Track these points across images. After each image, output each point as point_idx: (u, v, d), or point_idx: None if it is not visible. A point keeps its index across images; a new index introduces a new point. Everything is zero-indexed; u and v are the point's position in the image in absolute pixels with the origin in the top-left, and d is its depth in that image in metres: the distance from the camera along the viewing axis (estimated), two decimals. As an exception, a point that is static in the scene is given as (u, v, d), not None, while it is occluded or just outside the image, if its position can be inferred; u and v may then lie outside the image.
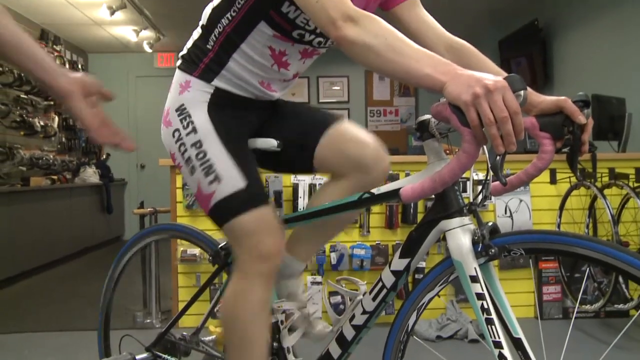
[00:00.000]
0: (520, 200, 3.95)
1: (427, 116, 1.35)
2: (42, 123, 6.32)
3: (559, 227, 3.87)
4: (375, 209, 3.90)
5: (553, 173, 3.96)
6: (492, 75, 1.06)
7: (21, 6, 6.30)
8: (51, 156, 6.50)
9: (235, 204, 1.59)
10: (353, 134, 1.74)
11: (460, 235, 1.27)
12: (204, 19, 1.68)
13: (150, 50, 7.77)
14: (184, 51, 1.72)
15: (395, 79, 1.26)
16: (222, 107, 1.67)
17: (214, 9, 1.65)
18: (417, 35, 1.67)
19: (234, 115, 1.69)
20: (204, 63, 1.65)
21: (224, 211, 1.60)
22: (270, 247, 1.57)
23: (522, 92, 1.07)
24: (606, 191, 3.69)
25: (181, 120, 1.65)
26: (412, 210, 3.86)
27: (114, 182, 8.06)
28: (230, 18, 1.59)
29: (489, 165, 1.18)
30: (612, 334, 3.53)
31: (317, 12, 1.30)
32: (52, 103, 6.72)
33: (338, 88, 9.10)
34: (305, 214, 1.67)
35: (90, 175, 7.51)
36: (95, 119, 1.24)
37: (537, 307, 3.96)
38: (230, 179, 1.59)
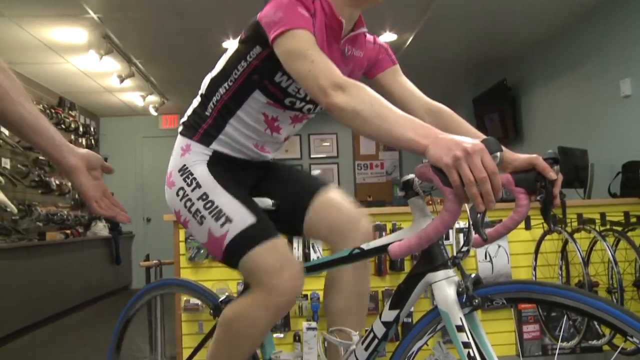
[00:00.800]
0: (499, 246, 3.92)
1: (411, 175, 1.35)
2: (57, 182, 6.31)
3: (534, 269, 3.84)
4: (365, 256, 3.87)
5: (528, 220, 3.94)
6: (470, 139, 1.06)
7: (42, 77, 6.39)
8: (65, 212, 6.46)
9: (248, 237, 1.54)
10: (332, 202, 1.73)
11: (445, 287, 1.25)
12: (203, 88, 1.69)
13: (155, 113, 7.83)
14: (185, 118, 1.73)
15: (380, 142, 1.26)
16: (220, 166, 1.67)
17: (212, 79, 1.67)
18: (400, 100, 1.69)
19: (232, 172, 1.68)
20: (202, 128, 1.66)
21: (238, 246, 1.55)
22: (286, 283, 1.50)
23: (498, 154, 1.07)
24: (576, 235, 3.69)
25: (184, 179, 1.65)
26: (399, 259, 3.83)
27: (122, 234, 7.99)
28: (227, 87, 1.61)
29: (471, 223, 1.17)
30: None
31: (309, 81, 1.31)
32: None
33: (328, 144, 9.14)
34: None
35: (101, 229, 7.45)
36: (96, 192, 1.27)
37: (518, 346, 3.89)
38: (241, 217, 1.56)
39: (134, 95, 7.18)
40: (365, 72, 1.73)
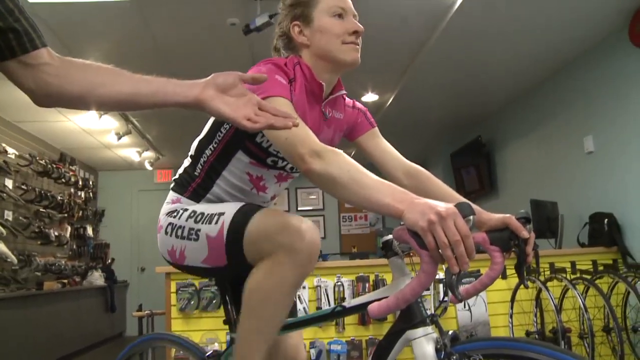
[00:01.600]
0: (477, 295, 3.88)
1: (390, 236, 1.33)
2: (56, 233, 6.22)
3: (511, 317, 3.80)
4: (349, 305, 3.81)
5: (504, 270, 3.91)
6: (444, 203, 1.06)
7: (45, 134, 6.37)
8: (63, 262, 6.35)
9: (243, 212, 1.45)
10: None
11: (424, 344, 1.22)
12: (192, 150, 1.68)
13: (150, 168, 7.82)
14: (176, 176, 1.71)
15: (358, 207, 1.23)
16: None
17: (199, 142, 1.66)
18: (379, 162, 1.69)
19: None
20: (192, 187, 1.64)
21: (238, 223, 1.43)
22: (304, 232, 1.33)
23: (471, 217, 1.06)
24: (548, 284, 3.67)
25: (172, 217, 1.60)
26: (381, 306, 3.77)
27: (117, 283, 7.84)
28: (212, 149, 1.60)
29: (446, 283, 1.15)
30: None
31: (286, 148, 1.30)
32: (65, 215, 6.63)
33: (314, 197, 9.14)
34: (285, 325, 1.57)
35: (97, 278, 7.30)
36: (243, 110, 1.11)
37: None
38: (231, 206, 1.51)
39: (130, 151, 7.17)
40: (345, 135, 1.74)
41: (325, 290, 3.80)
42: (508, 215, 1.39)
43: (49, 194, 6.11)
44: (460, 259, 1.01)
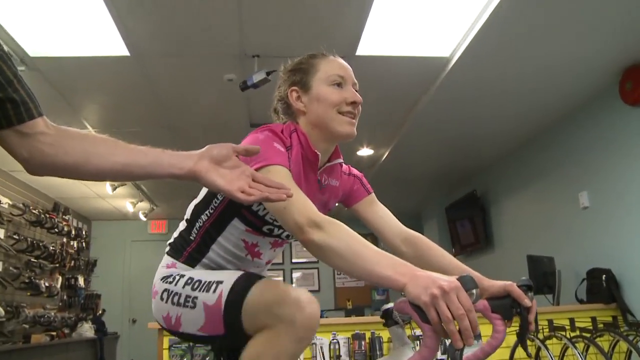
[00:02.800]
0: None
1: (391, 305, 1.31)
2: (47, 284, 6.10)
3: (510, 376, 3.73)
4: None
5: (500, 327, 3.86)
6: (446, 277, 1.04)
7: (39, 184, 6.34)
8: (52, 313, 6.20)
9: (243, 283, 1.41)
10: None
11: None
12: (188, 214, 1.66)
13: (144, 219, 7.78)
14: (172, 240, 1.69)
15: (358, 279, 1.20)
16: None
17: (195, 206, 1.64)
18: (376, 229, 1.68)
19: None
20: (187, 252, 1.61)
21: (237, 294, 1.39)
22: (305, 303, 1.28)
23: (474, 291, 1.05)
24: (547, 342, 3.61)
25: (167, 282, 1.56)
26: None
27: (107, 335, 7.65)
28: (208, 215, 1.58)
29: (450, 359, 1.12)
30: None
31: (285, 218, 1.29)
32: (57, 265, 6.54)
33: (309, 248, 9.07)
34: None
35: (87, 330, 7.14)
36: (237, 183, 1.12)
37: None
38: (230, 275, 1.46)
39: (124, 202, 7.14)
40: (341, 201, 1.73)
41: (321, 348, 3.72)
42: (509, 282, 1.38)
43: (41, 244, 6.03)
44: (464, 333, 0.99)
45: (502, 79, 3.99)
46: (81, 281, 7.41)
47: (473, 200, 6.41)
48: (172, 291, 1.53)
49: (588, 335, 3.60)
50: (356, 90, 1.59)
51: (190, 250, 1.60)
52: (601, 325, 3.76)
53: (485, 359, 1.38)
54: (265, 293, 1.37)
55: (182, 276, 1.55)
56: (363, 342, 3.74)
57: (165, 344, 3.67)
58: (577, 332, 3.69)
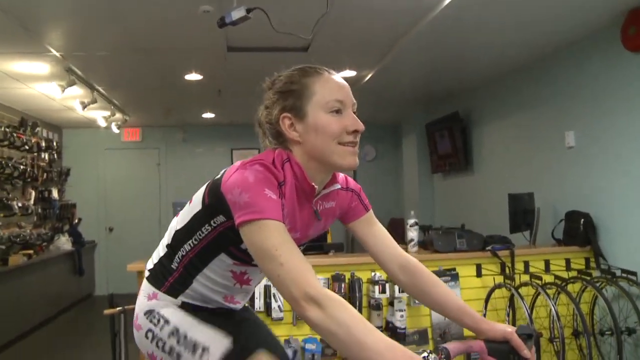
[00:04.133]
0: (451, 293, 3.92)
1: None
2: (20, 204, 6.01)
3: (484, 316, 3.86)
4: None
5: (479, 267, 3.96)
6: None
7: (3, 98, 6.02)
8: (28, 231, 6.18)
9: None
10: None
11: None
12: (168, 238, 1.56)
13: (117, 131, 7.55)
14: (151, 265, 1.60)
15: None
16: (190, 310, 1.56)
17: (177, 232, 1.53)
18: (373, 251, 1.59)
19: (203, 312, 1.58)
20: (169, 282, 1.54)
21: None
22: None
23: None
24: (522, 288, 3.72)
25: (151, 321, 1.53)
26: (357, 308, 3.77)
27: (85, 246, 7.72)
28: (192, 245, 1.48)
29: None
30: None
31: (280, 286, 1.20)
32: (29, 180, 6.41)
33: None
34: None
35: (64, 243, 7.18)
36: None
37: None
38: (217, 342, 1.45)
39: (96, 114, 6.87)
40: (339, 217, 1.62)
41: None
42: (510, 329, 1.35)
43: (10, 164, 5.85)
44: None
45: (498, 7, 3.71)
46: (55, 193, 7.32)
47: (456, 121, 6.33)
48: (156, 335, 1.51)
49: (559, 282, 3.72)
50: (354, 112, 1.42)
51: (172, 281, 1.54)
52: (574, 272, 3.88)
53: None
54: None
55: (167, 322, 1.50)
56: (343, 284, 3.79)
57: (146, 286, 3.68)
58: (552, 278, 3.80)
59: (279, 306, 3.73)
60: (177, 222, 1.54)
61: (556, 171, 4.51)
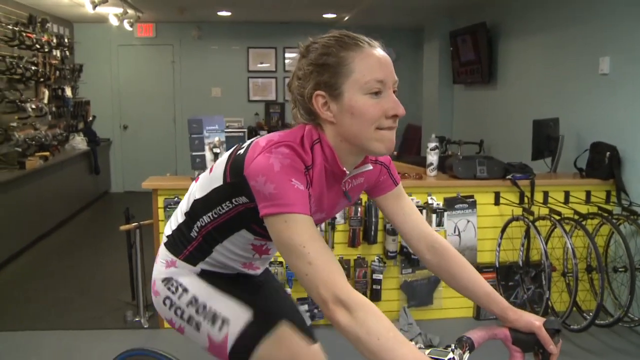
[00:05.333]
0: (468, 221, 3.93)
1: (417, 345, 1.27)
2: (33, 106, 5.95)
3: (499, 246, 3.90)
4: (340, 227, 3.83)
5: (497, 196, 3.93)
6: None
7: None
8: (43, 132, 6.16)
9: (250, 337, 1.44)
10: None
11: None
12: (187, 206, 1.51)
13: (130, 29, 7.31)
14: (169, 231, 1.58)
15: None
16: (209, 276, 1.56)
17: (195, 202, 1.48)
18: (400, 228, 1.53)
19: (221, 278, 1.58)
20: (188, 250, 1.52)
21: (243, 349, 1.45)
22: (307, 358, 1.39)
23: None
24: (539, 222, 3.71)
25: (169, 288, 1.54)
26: (372, 232, 3.80)
27: (99, 144, 7.74)
28: (212, 217, 1.43)
29: None
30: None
31: (308, 285, 1.16)
32: (41, 80, 6.30)
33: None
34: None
35: (79, 142, 7.19)
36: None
37: (474, 309, 4.03)
38: (237, 315, 1.47)
39: (108, 10, 6.61)
40: (367, 190, 1.55)
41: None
42: (538, 322, 1.32)
43: (21, 64, 5.72)
44: None
45: None
46: (68, 91, 7.23)
47: (482, 32, 6.04)
48: (175, 303, 1.52)
49: (577, 217, 3.69)
50: (395, 91, 1.30)
51: (191, 249, 1.52)
52: (594, 207, 3.84)
53: None
54: (273, 354, 1.34)
55: (185, 290, 1.51)
56: (359, 208, 3.80)
57: (161, 204, 3.71)
58: (571, 212, 3.77)
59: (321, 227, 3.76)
60: (196, 190, 1.49)
61: (585, 99, 4.33)
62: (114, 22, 6.64)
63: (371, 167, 1.43)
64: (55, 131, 6.59)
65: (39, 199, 5.73)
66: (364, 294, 3.87)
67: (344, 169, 1.34)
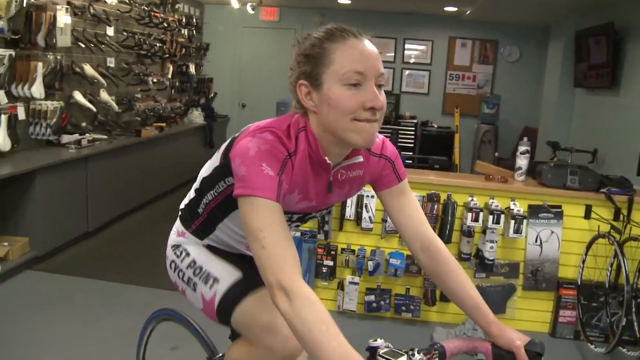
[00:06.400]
0: (552, 232, 3.71)
1: (380, 341, 1.24)
2: (155, 80, 6.42)
3: (583, 262, 3.64)
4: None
5: (588, 209, 3.67)
6: None
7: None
8: (163, 104, 6.64)
9: (236, 291, 1.51)
10: None
11: None
12: (197, 183, 1.60)
13: (252, 12, 7.61)
14: (183, 205, 1.68)
15: None
16: (214, 249, 1.65)
17: (203, 179, 1.55)
18: (398, 225, 1.51)
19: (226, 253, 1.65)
20: (195, 225, 1.62)
21: (228, 303, 1.51)
22: (282, 343, 1.42)
23: None
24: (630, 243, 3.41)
25: (175, 253, 1.67)
26: (447, 231, 3.71)
27: (217, 121, 8.16)
28: (213, 195, 1.51)
29: None
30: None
31: (259, 265, 1.19)
32: (167, 56, 6.78)
33: (423, 48, 8.59)
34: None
35: (196, 117, 7.65)
36: None
37: (551, 325, 3.82)
38: (227, 274, 1.54)
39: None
40: (371, 182, 1.54)
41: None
42: (519, 342, 1.26)
43: (148, 41, 6.20)
44: None
45: None
46: (192, 68, 7.70)
47: (609, 33, 5.58)
48: (177, 266, 1.63)
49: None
50: (380, 85, 1.27)
51: (198, 225, 1.62)
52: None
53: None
54: (254, 312, 1.40)
55: (188, 255, 1.62)
56: (436, 205, 3.72)
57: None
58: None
59: (369, 217, 3.77)
60: (205, 169, 1.57)
61: None
62: (235, 4, 6.96)
63: (362, 159, 1.42)
64: (175, 104, 7.07)
65: (153, 166, 6.19)
66: (433, 294, 3.80)
67: (326, 158, 1.34)
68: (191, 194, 1.64)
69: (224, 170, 1.40)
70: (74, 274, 4.19)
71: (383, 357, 1.17)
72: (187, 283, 1.60)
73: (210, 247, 1.64)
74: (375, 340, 1.21)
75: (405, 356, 1.18)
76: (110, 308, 3.64)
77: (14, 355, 3.02)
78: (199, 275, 1.57)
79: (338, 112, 1.25)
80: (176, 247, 1.67)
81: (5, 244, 4.11)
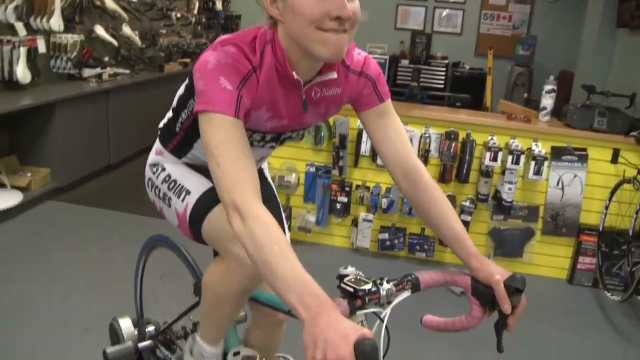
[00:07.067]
0: (575, 175, 3.56)
1: (350, 269, 1.17)
2: (178, 15, 6.31)
3: (606, 208, 3.50)
4: (432, 161, 3.67)
5: (616, 153, 3.49)
6: (352, 332, 0.86)
7: None
8: (187, 40, 6.54)
9: (205, 200, 1.45)
10: None
11: None
12: (175, 101, 1.52)
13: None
14: (161, 124, 1.63)
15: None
16: (191, 166, 1.60)
17: (179, 97, 1.48)
18: (379, 149, 1.40)
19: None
20: (172, 144, 1.57)
21: (198, 212, 1.45)
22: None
23: None
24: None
25: (153, 172, 1.63)
26: (465, 170, 3.59)
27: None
28: (187, 114, 1.44)
29: None
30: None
31: (215, 180, 1.13)
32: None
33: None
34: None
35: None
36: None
37: (569, 272, 3.72)
38: (199, 186, 1.49)
39: None
40: (351, 104, 1.43)
41: (411, 139, 3.64)
42: (498, 276, 1.16)
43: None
44: None
45: None
46: (219, 4, 7.54)
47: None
48: (153, 183, 1.60)
49: None
50: None
51: (175, 143, 1.57)
52: None
53: (446, 331, 1.28)
54: (221, 221, 1.28)
55: (163, 170, 1.59)
56: (454, 143, 3.60)
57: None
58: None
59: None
60: (182, 87, 1.49)
61: None
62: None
63: (335, 76, 1.31)
64: (200, 40, 6.96)
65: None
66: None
67: (294, 73, 1.24)
68: (169, 114, 1.58)
69: (191, 86, 1.32)
70: (94, 205, 4.25)
71: (347, 284, 1.10)
72: (163, 199, 1.55)
73: (187, 164, 1.59)
74: (346, 268, 1.15)
75: (371, 284, 1.11)
76: (126, 237, 3.68)
77: (37, 272, 3.18)
78: (172, 189, 1.52)
79: (302, 20, 1.13)
80: (154, 165, 1.63)
81: (28, 174, 4.17)
